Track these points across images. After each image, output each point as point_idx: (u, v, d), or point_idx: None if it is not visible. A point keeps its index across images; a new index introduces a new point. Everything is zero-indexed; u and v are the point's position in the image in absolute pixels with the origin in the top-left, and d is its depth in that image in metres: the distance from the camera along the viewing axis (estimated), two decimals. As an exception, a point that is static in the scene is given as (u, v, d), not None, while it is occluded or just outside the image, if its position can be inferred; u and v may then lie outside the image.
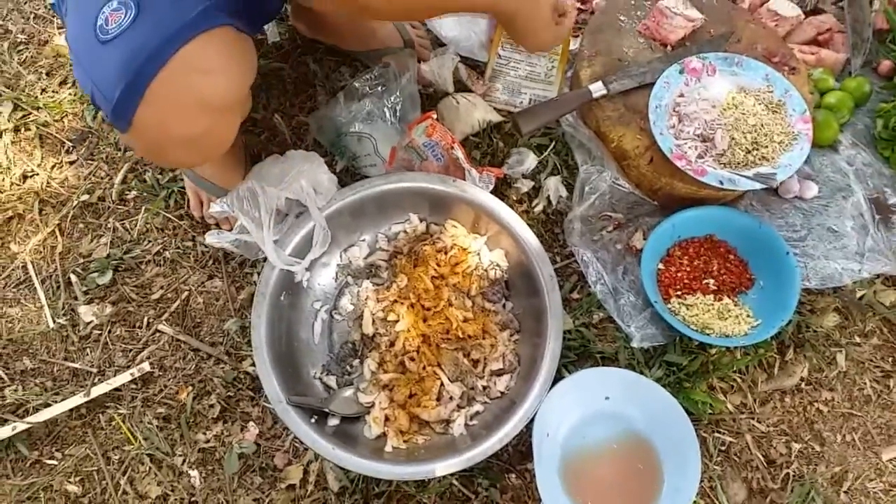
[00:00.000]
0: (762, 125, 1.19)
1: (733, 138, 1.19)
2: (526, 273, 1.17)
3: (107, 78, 0.84)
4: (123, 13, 0.83)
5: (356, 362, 1.19)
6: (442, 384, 1.15)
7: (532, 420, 1.06)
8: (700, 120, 1.21)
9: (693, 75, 1.24)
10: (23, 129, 1.48)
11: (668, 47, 1.31)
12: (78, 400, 1.21)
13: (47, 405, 1.22)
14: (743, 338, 1.15)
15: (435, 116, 1.28)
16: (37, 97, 1.51)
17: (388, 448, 1.11)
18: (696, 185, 1.18)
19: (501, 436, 1.05)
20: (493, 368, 1.17)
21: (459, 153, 1.24)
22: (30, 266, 1.34)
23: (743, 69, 1.25)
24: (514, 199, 1.33)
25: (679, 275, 1.22)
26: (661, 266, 1.23)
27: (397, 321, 1.18)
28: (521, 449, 1.16)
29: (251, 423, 1.20)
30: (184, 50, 0.83)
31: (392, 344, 1.18)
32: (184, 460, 1.18)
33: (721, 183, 1.15)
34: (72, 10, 0.92)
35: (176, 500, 1.16)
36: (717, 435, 1.16)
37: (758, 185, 1.16)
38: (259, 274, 1.15)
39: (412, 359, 1.16)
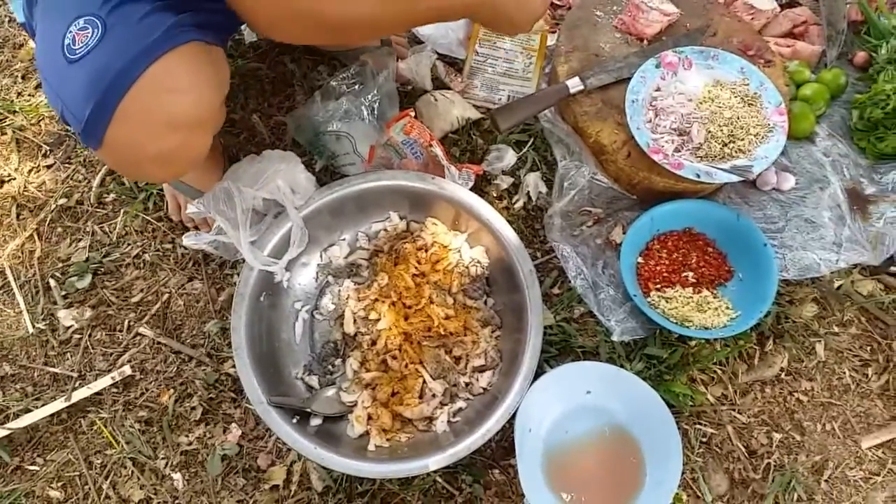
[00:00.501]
0: (738, 118, 1.20)
1: (709, 131, 1.19)
2: (506, 269, 1.17)
3: (75, 98, 0.83)
4: (90, 32, 0.82)
5: (338, 361, 1.19)
6: (424, 382, 1.15)
7: (514, 415, 1.06)
8: (676, 114, 1.21)
9: (669, 69, 1.25)
10: (-1, 134, 1.47)
11: (645, 42, 1.32)
12: (59, 405, 1.20)
13: (28, 411, 1.21)
14: (722, 329, 1.16)
15: (413, 114, 1.27)
16: (12, 101, 1.50)
17: (371, 447, 1.11)
18: (674, 179, 1.18)
19: (484, 431, 1.05)
20: (475, 365, 1.17)
21: (438, 150, 1.23)
22: (8, 271, 1.33)
23: (719, 62, 1.26)
24: (494, 195, 1.33)
25: (658, 268, 1.22)
26: (640, 260, 1.24)
27: (379, 320, 1.18)
28: (503, 445, 1.16)
29: (233, 425, 1.19)
30: (151, 69, 0.82)
31: (374, 342, 1.18)
32: (166, 463, 1.18)
33: (698, 176, 1.16)
34: (39, 29, 0.91)
35: (159, 503, 1.16)
36: (698, 427, 1.17)
37: (735, 178, 1.16)
38: (239, 275, 1.15)
39: (394, 357, 1.16)
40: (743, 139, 1.19)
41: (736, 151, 1.19)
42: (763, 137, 1.20)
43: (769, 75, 1.25)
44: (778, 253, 1.23)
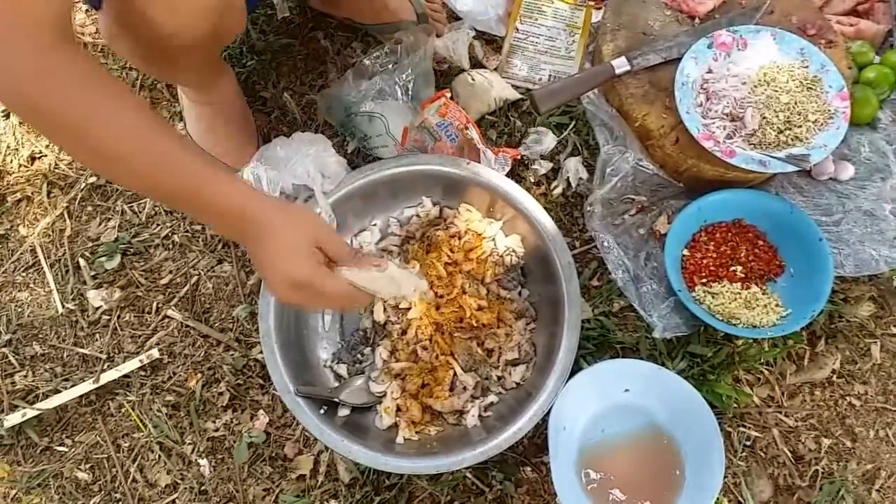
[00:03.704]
0: (796, 103, 1.13)
1: (765, 117, 1.12)
2: (543, 259, 1.12)
3: None
4: None
5: (367, 350, 1.16)
6: (455, 374, 1.12)
7: (548, 413, 1.02)
8: (729, 98, 1.15)
9: (722, 50, 1.18)
10: (30, 110, 1.45)
11: (697, 20, 1.25)
12: (87, 386, 1.20)
13: (57, 391, 1.21)
14: (771, 328, 1.10)
15: (449, 95, 1.23)
16: (44, 76, 1.48)
17: (399, 439, 1.08)
18: (724, 167, 1.12)
19: (516, 430, 1.01)
20: (507, 358, 1.13)
21: (474, 133, 1.19)
22: (38, 250, 1.33)
23: (776, 43, 1.18)
24: (532, 181, 1.28)
25: (705, 261, 1.17)
26: (685, 252, 1.18)
27: (409, 309, 1.14)
28: (536, 441, 1.13)
29: (261, 412, 1.18)
30: None
31: (404, 332, 1.14)
32: (193, 449, 1.17)
33: (751, 165, 1.09)
34: None
35: (185, 488, 1.15)
36: (742, 429, 1.12)
37: (790, 168, 1.10)
38: (268, 259, 1.12)
39: (425, 348, 1.13)
40: (800, 126, 1.12)
41: (792, 139, 1.12)
42: (822, 124, 1.13)
43: (831, 57, 1.17)
44: (833, 247, 1.16)
